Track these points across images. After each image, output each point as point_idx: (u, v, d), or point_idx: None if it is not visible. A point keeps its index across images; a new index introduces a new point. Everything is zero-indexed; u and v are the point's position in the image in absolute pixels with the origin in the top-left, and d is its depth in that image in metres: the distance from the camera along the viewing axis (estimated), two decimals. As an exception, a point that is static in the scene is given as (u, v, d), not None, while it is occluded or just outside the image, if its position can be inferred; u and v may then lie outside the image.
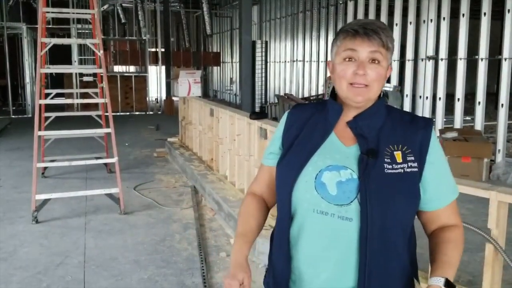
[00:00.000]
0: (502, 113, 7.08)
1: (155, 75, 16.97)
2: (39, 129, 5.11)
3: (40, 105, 5.50)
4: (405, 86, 8.81)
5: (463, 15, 7.50)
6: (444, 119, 8.13)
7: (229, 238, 4.35)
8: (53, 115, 6.43)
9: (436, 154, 1.30)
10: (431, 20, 8.17)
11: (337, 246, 1.24)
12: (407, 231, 1.29)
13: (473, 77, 7.56)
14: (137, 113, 15.40)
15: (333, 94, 1.37)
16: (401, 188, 1.24)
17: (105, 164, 6.76)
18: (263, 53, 12.99)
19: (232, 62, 19.10)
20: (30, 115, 13.70)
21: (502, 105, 7.05)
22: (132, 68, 18.78)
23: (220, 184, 5.45)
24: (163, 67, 16.04)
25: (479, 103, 7.32)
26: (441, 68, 8.02)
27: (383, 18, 9.00)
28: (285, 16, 14.47)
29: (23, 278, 3.57)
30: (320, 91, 12.22)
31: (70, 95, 12.30)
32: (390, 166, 1.25)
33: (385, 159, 1.25)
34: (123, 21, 19.64)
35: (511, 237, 2.80)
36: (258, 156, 4.51)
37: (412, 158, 1.27)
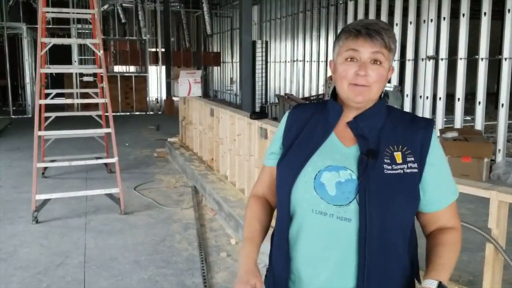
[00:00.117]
0: (502, 113, 7.08)
1: (155, 75, 16.97)
2: (39, 129, 5.10)
3: (40, 105, 5.49)
4: (406, 86, 8.81)
5: (463, 15, 7.50)
6: (444, 119, 8.13)
7: (229, 238, 4.35)
8: (53, 115, 6.42)
9: (436, 155, 1.29)
10: (431, 20, 8.17)
11: (336, 247, 1.24)
12: (407, 232, 1.28)
13: (473, 77, 7.56)
14: (137, 113, 15.40)
15: (334, 94, 1.37)
16: (401, 189, 1.24)
17: (105, 164, 6.76)
18: (263, 53, 13.00)
19: (232, 62, 19.11)
20: (30, 115, 13.70)
21: (502, 105, 7.06)
22: (132, 68, 18.79)
23: (221, 184, 5.45)
24: (163, 67, 16.04)
25: (479, 103, 7.32)
26: (441, 68, 8.03)
27: (383, 18, 9.00)
28: (285, 16, 14.47)
29: (23, 278, 3.57)
30: (321, 91, 12.22)
31: (70, 95, 12.31)
32: (389, 167, 1.24)
33: (385, 160, 1.25)
34: (123, 21, 19.64)
35: (511, 237, 2.79)
36: (258, 156, 4.51)
37: (412, 158, 1.26)
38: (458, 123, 7.66)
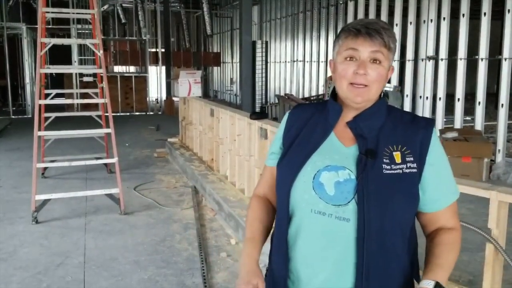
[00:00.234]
0: (502, 113, 7.08)
1: (155, 75, 16.97)
2: (39, 129, 5.11)
3: (40, 105, 5.49)
4: (405, 86, 8.81)
5: (463, 15, 7.50)
6: (444, 119, 8.14)
7: (229, 238, 4.35)
8: (53, 115, 6.42)
9: (436, 154, 1.29)
10: (431, 20, 8.17)
11: (335, 247, 1.24)
12: (406, 232, 1.28)
13: (473, 77, 7.56)
14: (137, 113, 15.40)
15: (334, 94, 1.37)
16: (399, 188, 1.23)
17: (105, 164, 6.76)
18: (264, 53, 13.00)
19: (232, 62, 19.11)
20: (30, 116, 13.70)
21: (502, 105, 7.06)
22: (132, 68, 18.79)
23: (221, 184, 5.45)
24: (163, 67, 16.05)
25: (479, 103, 7.32)
26: (441, 68, 8.03)
27: (383, 18, 9.00)
28: (285, 16, 14.47)
29: (23, 279, 3.57)
30: (321, 91, 12.22)
31: (70, 95, 12.30)
32: (388, 167, 1.24)
33: (384, 160, 1.25)
34: (123, 21, 19.65)
35: (511, 237, 2.79)
36: (258, 156, 4.51)
37: (412, 158, 1.26)
38: (458, 123, 7.66)
